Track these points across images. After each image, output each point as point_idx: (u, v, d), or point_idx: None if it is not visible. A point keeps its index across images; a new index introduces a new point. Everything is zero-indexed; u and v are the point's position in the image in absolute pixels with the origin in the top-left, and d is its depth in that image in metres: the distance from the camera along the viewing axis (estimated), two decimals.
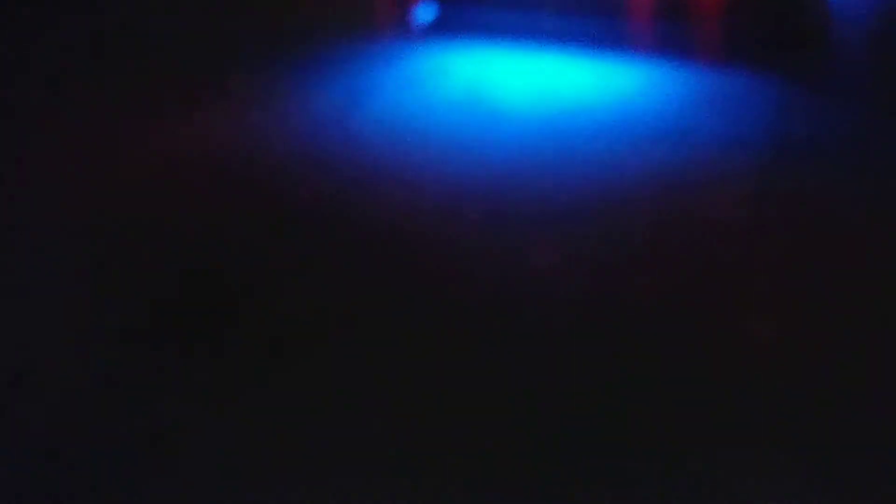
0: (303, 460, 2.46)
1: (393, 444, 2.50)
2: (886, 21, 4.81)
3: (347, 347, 2.87)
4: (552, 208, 3.56)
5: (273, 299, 3.09)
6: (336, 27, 4.86)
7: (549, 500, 2.33)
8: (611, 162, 3.79)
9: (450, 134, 4.07)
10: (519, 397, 2.66)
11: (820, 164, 3.72)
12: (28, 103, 4.48)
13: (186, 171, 3.86)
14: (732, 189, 3.58)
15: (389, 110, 4.24)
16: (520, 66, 4.52)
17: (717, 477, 2.38)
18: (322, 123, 4.17)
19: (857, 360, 2.75)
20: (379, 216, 3.56)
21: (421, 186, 3.74)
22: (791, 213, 3.44)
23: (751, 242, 3.29)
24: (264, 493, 2.36)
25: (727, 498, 2.32)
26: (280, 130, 4.14)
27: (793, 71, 4.37)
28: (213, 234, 3.46)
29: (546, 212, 3.54)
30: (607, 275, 3.18)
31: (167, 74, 4.64)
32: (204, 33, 5.10)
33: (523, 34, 4.59)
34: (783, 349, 2.81)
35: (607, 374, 2.74)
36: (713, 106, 4.14)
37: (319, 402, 2.65)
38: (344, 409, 2.62)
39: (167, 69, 4.69)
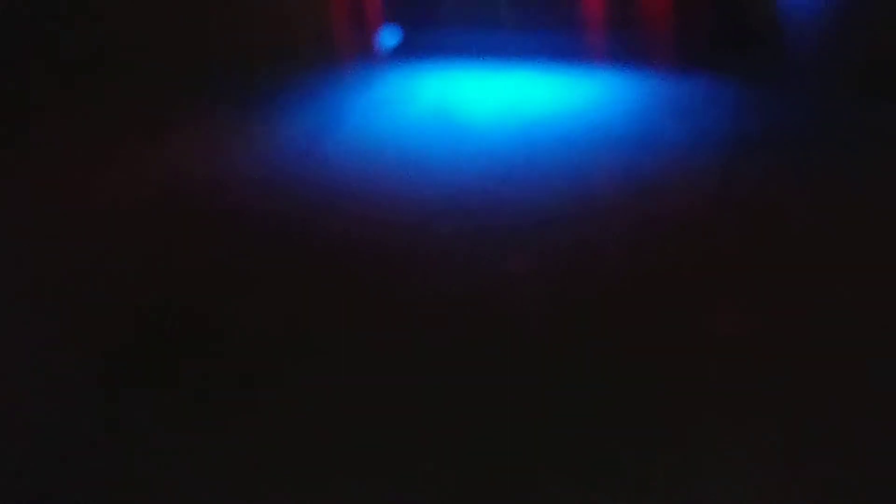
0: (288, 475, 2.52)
1: (380, 455, 2.57)
2: (837, 16, 4.95)
3: (327, 364, 2.93)
4: (521, 218, 3.64)
5: (247, 323, 3.14)
6: (302, 53, 4.95)
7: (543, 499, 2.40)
8: (575, 170, 3.90)
9: (419, 154, 4.17)
10: (499, 401, 2.73)
11: (775, 162, 3.83)
12: None
13: (156, 198, 3.93)
14: (692, 191, 3.68)
15: (359, 134, 4.34)
16: (485, 84, 4.63)
17: (690, 469, 2.46)
18: (291, 149, 4.26)
19: (817, 354, 2.82)
20: (353, 237, 3.62)
21: (393, 206, 3.81)
22: (750, 211, 3.54)
23: (713, 241, 3.38)
24: None
25: (700, 489, 2.40)
26: (249, 157, 4.22)
27: (747, 71, 4.50)
28: (184, 261, 3.52)
29: (515, 222, 3.62)
30: (577, 279, 3.27)
31: (135, 101, 4.71)
32: (170, 60, 5.18)
33: (486, 53, 4.71)
34: (747, 345, 2.89)
35: (579, 375, 2.81)
36: (672, 110, 4.26)
37: (300, 421, 2.70)
38: (328, 424, 2.68)
39: (134, 96, 4.76)
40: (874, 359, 2.76)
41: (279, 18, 5.24)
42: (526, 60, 4.67)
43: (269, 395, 2.80)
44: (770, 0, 4.85)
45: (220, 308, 3.22)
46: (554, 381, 2.79)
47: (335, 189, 3.95)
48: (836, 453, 2.45)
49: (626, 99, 4.40)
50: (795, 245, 3.32)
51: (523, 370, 2.85)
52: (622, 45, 4.46)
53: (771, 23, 4.81)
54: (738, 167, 3.81)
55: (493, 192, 3.83)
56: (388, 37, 4.68)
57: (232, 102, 4.63)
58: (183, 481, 2.50)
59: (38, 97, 4.88)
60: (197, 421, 2.71)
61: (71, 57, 5.27)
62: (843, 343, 2.85)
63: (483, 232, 3.58)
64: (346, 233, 3.65)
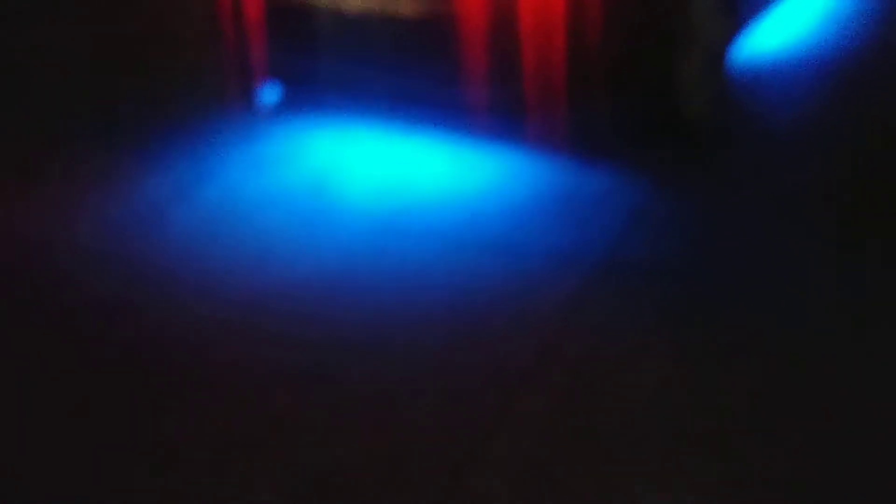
0: None
1: None
2: (806, 106, 4.20)
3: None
4: (345, 336, 3.20)
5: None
6: (173, 106, 4.55)
7: None
8: (423, 276, 3.42)
9: (276, 232, 3.75)
10: None
11: (653, 294, 3.26)
12: None
13: None
14: (536, 324, 3.15)
15: (216, 202, 3.93)
16: (367, 153, 4.15)
17: None
18: (142, 215, 3.89)
19: None
20: (161, 330, 3.28)
21: (221, 298, 3.43)
22: (589, 362, 3.00)
23: (523, 400, 2.88)
24: None
25: None
26: (93, 221, 3.86)
27: (662, 169, 3.88)
28: None
29: (337, 340, 3.18)
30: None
31: None
32: (42, 103, 4.73)
33: (374, 119, 4.23)
34: None
35: None
36: (557, 210, 3.70)
37: None
38: None
39: None
40: None
41: (160, 66, 4.84)
42: (415, 130, 4.16)
43: None
44: (715, 78, 4.13)
45: None
46: None
47: (168, 271, 3.58)
48: None
49: (513, 190, 3.85)
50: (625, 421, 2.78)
51: None
52: (525, 124, 3.89)
53: (711, 107, 4.11)
54: (598, 301, 3.25)
55: (328, 295, 3.39)
56: (269, 93, 4.25)
57: (99, 153, 4.27)
58: None
59: None
60: None
61: None
62: None
63: (292, 349, 3.16)
64: (154, 326, 3.30)
